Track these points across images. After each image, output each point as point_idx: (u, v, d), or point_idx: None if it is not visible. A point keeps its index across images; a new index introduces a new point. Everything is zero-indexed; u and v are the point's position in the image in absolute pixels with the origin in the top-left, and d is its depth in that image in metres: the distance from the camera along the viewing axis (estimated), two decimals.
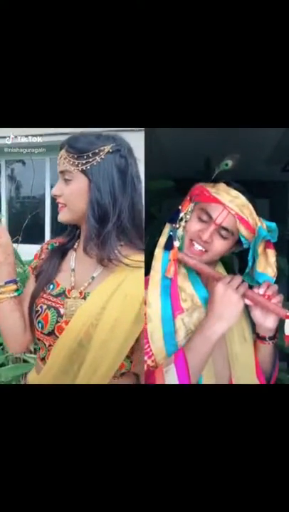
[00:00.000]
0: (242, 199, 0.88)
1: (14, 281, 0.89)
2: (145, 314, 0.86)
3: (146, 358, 0.85)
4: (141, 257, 0.84)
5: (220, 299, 0.82)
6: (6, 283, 0.89)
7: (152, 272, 0.91)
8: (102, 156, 0.82)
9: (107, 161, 0.82)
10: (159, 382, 0.82)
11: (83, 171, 0.82)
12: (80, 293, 0.85)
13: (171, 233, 0.91)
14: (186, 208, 0.92)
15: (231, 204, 0.87)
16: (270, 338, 0.91)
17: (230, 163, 0.91)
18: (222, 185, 0.90)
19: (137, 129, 0.96)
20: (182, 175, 0.96)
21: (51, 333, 0.83)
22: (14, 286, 0.89)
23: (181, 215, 0.91)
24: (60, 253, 0.91)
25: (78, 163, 0.82)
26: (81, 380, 0.79)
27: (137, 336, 0.82)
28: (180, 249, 0.91)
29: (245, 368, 0.92)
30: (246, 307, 0.88)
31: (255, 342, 0.94)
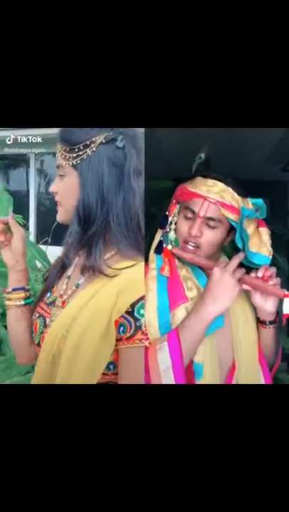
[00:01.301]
0: (220, 185, 0.89)
1: (23, 289, 0.85)
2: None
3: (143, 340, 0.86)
4: (129, 264, 0.74)
5: (216, 283, 0.83)
6: (14, 290, 0.84)
7: (148, 270, 0.92)
8: (94, 149, 0.73)
9: (99, 153, 0.73)
10: (151, 359, 0.82)
11: (74, 166, 0.74)
12: (63, 302, 0.78)
13: (161, 238, 0.93)
14: (173, 211, 0.94)
15: (210, 193, 0.89)
16: (271, 323, 0.92)
17: (203, 155, 0.94)
18: (198, 179, 0.92)
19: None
20: (182, 175, 0.97)
21: (39, 345, 0.78)
22: (22, 294, 0.85)
23: (170, 219, 0.93)
24: None
25: (69, 156, 0.74)
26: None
27: (107, 355, 0.71)
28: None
29: (248, 353, 0.93)
30: (248, 292, 0.89)
31: (257, 327, 0.94)
